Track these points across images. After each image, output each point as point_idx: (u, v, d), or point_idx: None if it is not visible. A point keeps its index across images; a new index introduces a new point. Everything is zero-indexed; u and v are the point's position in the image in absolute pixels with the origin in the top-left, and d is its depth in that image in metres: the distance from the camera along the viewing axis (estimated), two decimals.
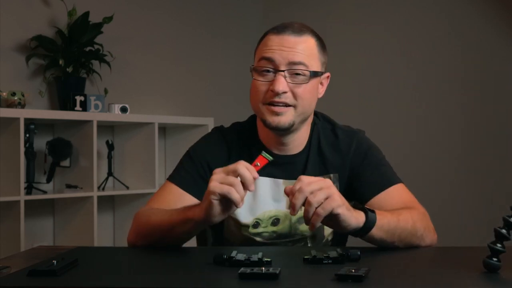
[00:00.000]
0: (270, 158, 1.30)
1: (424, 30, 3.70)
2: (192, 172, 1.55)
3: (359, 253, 1.17)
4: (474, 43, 3.51)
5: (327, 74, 1.56)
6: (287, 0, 4.35)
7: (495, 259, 1.06)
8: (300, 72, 1.46)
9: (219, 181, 1.23)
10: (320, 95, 1.56)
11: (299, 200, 1.21)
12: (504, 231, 1.05)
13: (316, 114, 1.63)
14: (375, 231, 1.30)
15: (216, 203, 1.23)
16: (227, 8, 4.26)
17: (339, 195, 1.25)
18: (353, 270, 1.01)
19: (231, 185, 1.21)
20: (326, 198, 1.21)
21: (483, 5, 3.48)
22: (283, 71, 1.45)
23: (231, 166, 1.24)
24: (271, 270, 1.02)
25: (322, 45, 1.53)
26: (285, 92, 1.45)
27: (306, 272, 1.11)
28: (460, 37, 3.56)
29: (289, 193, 1.24)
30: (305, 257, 1.17)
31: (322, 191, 1.22)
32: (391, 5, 3.84)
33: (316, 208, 1.21)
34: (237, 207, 1.23)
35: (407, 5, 3.77)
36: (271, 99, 1.46)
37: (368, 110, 3.90)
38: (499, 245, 1.06)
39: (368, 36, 3.93)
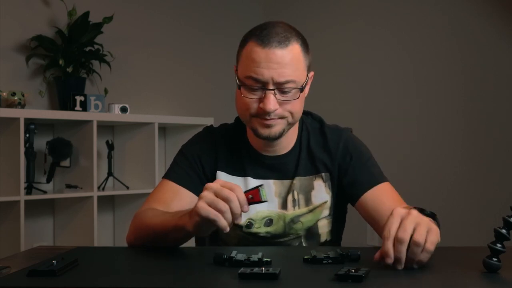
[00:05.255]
0: (265, 199, 1.23)
1: (424, 31, 3.69)
2: (186, 168, 1.56)
3: (359, 253, 1.17)
4: (474, 43, 3.50)
5: (311, 73, 1.53)
6: (287, 0, 4.35)
7: (495, 259, 1.06)
8: (289, 90, 1.43)
9: (208, 202, 1.17)
10: (305, 95, 1.54)
11: (402, 253, 1.06)
12: (504, 231, 1.05)
13: (304, 112, 1.62)
14: None
15: (202, 223, 1.19)
16: (227, 8, 4.27)
17: (429, 221, 1.11)
18: (353, 270, 1.00)
19: (219, 211, 1.15)
20: (427, 232, 1.08)
21: (483, 5, 3.48)
22: (273, 89, 1.42)
23: (225, 191, 1.17)
24: (271, 270, 1.02)
25: (305, 47, 1.49)
26: (275, 109, 1.43)
27: (306, 272, 1.10)
28: (461, 37, 3.55)
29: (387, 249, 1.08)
30: (305, 257, 1.17)
31: (421, 226, 1.08)
32: (392, 6, 3.84)
33: (425, 245, 1.07)
34: (224, 231, 1.18)
35: (407, 5, 3.77)
36: (262, 116, 1.44)
37: (368, 110, 3.90)
38: (499, 245, 1.06)
39: (368, 36, 3.93)
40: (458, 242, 3.18)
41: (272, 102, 1.42)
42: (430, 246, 1.07)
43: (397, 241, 1.06)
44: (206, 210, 1.16)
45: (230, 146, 1.59)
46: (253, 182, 1.54)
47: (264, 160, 1.56)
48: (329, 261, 1.14)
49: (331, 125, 1.63)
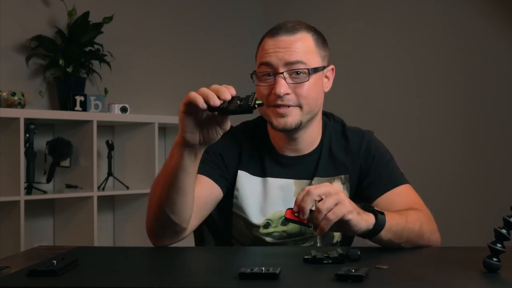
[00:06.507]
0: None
1: (424, 31, 3.69)
2: (207, 161, 1.52)
3: (359, 253, 1.17)
4: (474, 43, 3.50)
5: (331, 66, 1.55)
6: (287, 0, 4.35)
7: (495, 259, 1.06)
8: (299, 70, 1.45)
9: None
10: (326, 89, 1.55)
11: (307, 203, 1.19)
12: (504, 231, 1.05)
13: (327, 114, 1.64)
14: (384, 233, 1.29)
15: (184, 115, 1.23)
16: (227, 8, 4.26)
17: (349, 200, 1.22)
18: (353, 270, 1.01)
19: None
20: (336, 204, 1.19)
21: (483, 5, 3.48)
22: (282, 73, 1.44)
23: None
24: (271, 270, 1.02)
25: (320, 39, 1.51)
26: (287, 94, 1.44)
27: (306, 272, 1.10)
28: (461, 37, 3.55)
29: (297, 199, 1.21)
30: (305, 257, 1.17)
31: (331, 197, 1.19)
32: (392, 6, 3.84)
33: (326, 214, 1.18)
34: (199, 106, 1.20)
35: (407, 5, 3.77)
36: (275, 102, 1.45)
37: (368, 110, 3.90)
38: (499, 245, 1.06)
39: (368, 36, 3.93)
40: (458, 242, 3.17)
41: (282, 85, 1.44)
42: (331, 215, 1.17)
43: (305, 193, 1.19)
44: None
45: (252, 145, 1.58)
46: (273, 181, 1.54)
47: (284, 160, 1.56)
48: (329, 261, 1.14)
49: (353, 127, 1.64)
